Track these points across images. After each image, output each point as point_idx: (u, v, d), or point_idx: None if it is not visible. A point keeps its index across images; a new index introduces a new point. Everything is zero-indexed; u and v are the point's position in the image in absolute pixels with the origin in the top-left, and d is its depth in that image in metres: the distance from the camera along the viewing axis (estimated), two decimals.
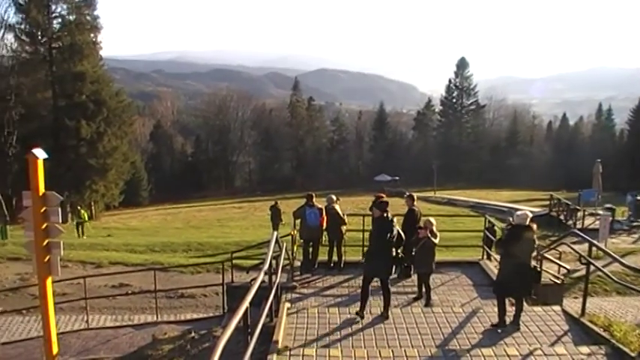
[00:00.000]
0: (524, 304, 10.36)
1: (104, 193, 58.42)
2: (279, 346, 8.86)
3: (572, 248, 13.14)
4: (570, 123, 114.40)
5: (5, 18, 55.95)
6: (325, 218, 14.70)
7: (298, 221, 15.09)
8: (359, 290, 11.04)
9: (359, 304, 10.58)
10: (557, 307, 10.86)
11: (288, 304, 11.20)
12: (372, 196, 14.13)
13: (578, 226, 28.83)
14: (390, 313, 10.42)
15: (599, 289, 18.12)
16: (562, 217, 31.77)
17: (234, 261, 15.69)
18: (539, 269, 10.92)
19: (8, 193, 55.00)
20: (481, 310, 10.70)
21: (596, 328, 9.59)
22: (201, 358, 10.35)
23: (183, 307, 18.68)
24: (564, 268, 12.48)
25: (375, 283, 10.67)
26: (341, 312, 10.70)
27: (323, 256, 15.16)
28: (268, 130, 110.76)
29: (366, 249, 12.48)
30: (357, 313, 10.43)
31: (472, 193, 67.90)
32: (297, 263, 15.00)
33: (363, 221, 15.49)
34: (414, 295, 12.62)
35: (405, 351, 8.75)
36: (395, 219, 10.64)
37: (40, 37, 54.94)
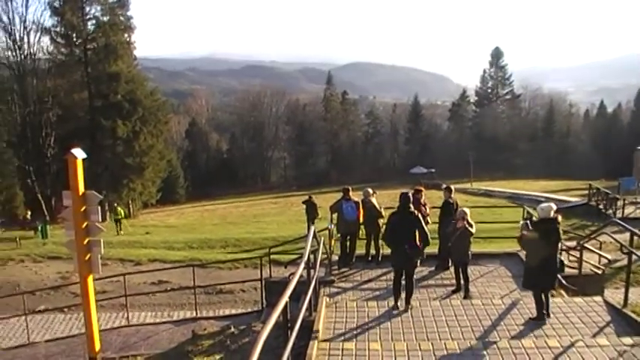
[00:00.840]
0: (564, 295, 10.24)
1: (141, 191, 59.00)
2: (319, 340, 8.87)
3: (613, 238, 12.94)
4: (608, 110, 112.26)
5: (41, 21, 56.88)
6: (362, 212, 14.66)
7: (335, 215, 15.06)
8: None
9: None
10: (598, 298, 10.67)
11: (326, 299, 11.20)
12: (408, 189, 14.08)
13: (618, 215, 28.28)
14: (429, 305, 10.41)
15: None
16: (601, 206, 31.22)
17: (271, 256, 15.75)
18: (562, 260, 10.79)
19: (47, 193, 56.08)
20: (521, 302, 10.55)
21: (639, 319, 9.43)
22: (240, 353, 10.39)
23: (222, 303, 18.84)
24: (605, 258, 12.31)
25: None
26: (379, 305, 10.68)
27: (360, 250, 15.12)
28: (303, 125, 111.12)
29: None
30: (392, 307, 10.47)
31: (509, 184, 67.13)
32: (335, 257, 14.98)
33: None
34: (452, 288, 12.53)
35: (445, 344, 8.69)
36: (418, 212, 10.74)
37: (75, 39, 55.59)
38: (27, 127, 57.39)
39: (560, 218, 9.76)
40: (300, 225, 30.41)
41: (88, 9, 55.29)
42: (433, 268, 13.89)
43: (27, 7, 59.67)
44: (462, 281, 12.27)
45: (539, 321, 9.68)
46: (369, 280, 13.58)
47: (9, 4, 55.88)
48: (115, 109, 53.83)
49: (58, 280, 21.83)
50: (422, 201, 14.39)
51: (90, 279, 9.67)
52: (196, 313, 16.32)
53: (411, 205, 10.66)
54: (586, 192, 35.38)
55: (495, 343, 8.65)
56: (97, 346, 9.82)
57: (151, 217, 58.01)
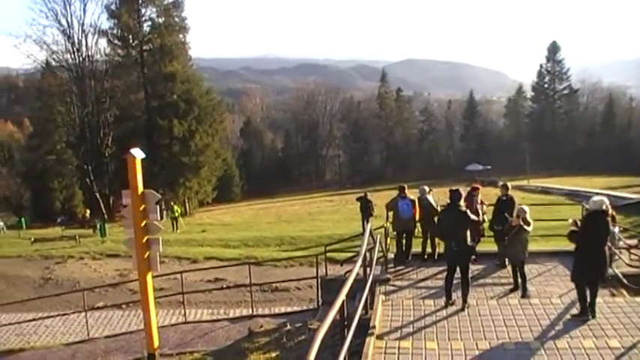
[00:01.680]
0: (626, 294, 9.97)
1: (197, 189, 59.82)
2: (375, 338, 8.82)
3: None
4: None
5: (98, 24, 58.16)
6: (418, 209, 14.54)
7: (391, 213, 14.94)
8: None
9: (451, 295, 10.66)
10: None
11: (382, 297, 11.14)
12: (464, 186, 13.90)
13: None
14: (486, 304, 10.33)
15: None
16: None
17: (327, 254, 15.71)
18: (612, 254, 10.53)
19: (105, 192, 57.33)
20: None
21: None
22: (297, 350, 10.43)
23: (278, 301, 18.92)
24: None
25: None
26: (436, 304, 10.65)
27: (417, 248, 14.98)
28: (357, 122, 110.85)
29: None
30: (444, 303, 10.50)
31: (567, 181, 65.84)
32: (391, 255, 14.86)
33: None
34: (510, 287, 12.34)
35: (502, 343, 8.60)
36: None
37: (131, 41, 56.93)
38: (85, 127, 58.90)
39: (612, 212, 9.57)
40: (355, 223, 30.31)
41: (143, 11, 56.54)
42: (491, 266, 13.71)
43: (85, 11, 61.09)
44: (519, 280, 12.05)
45: (581, 317, 9.53)
46: (425, 279, 13.52)
47: (67, 8, 57.48)
48: (171, 109, 54.76)
49: (117, 277, 22.23)
50: (478, 199, 14.23)
51: (149, 276, 9.82)
52: (252, 311, 16.40)
53: (462, 203, 10.59)
54: None
55: (554, 343, 8.47)
56: (156, 343, 9.98)
57: (207, 215, 58.61)
